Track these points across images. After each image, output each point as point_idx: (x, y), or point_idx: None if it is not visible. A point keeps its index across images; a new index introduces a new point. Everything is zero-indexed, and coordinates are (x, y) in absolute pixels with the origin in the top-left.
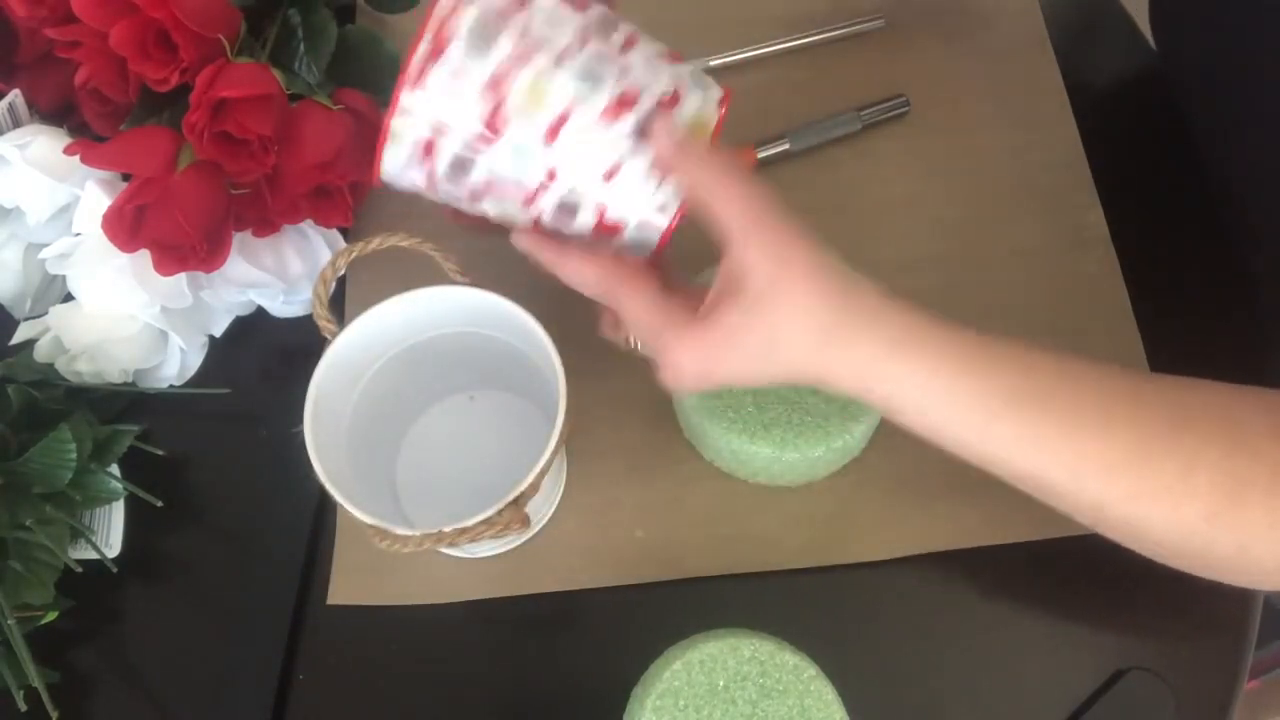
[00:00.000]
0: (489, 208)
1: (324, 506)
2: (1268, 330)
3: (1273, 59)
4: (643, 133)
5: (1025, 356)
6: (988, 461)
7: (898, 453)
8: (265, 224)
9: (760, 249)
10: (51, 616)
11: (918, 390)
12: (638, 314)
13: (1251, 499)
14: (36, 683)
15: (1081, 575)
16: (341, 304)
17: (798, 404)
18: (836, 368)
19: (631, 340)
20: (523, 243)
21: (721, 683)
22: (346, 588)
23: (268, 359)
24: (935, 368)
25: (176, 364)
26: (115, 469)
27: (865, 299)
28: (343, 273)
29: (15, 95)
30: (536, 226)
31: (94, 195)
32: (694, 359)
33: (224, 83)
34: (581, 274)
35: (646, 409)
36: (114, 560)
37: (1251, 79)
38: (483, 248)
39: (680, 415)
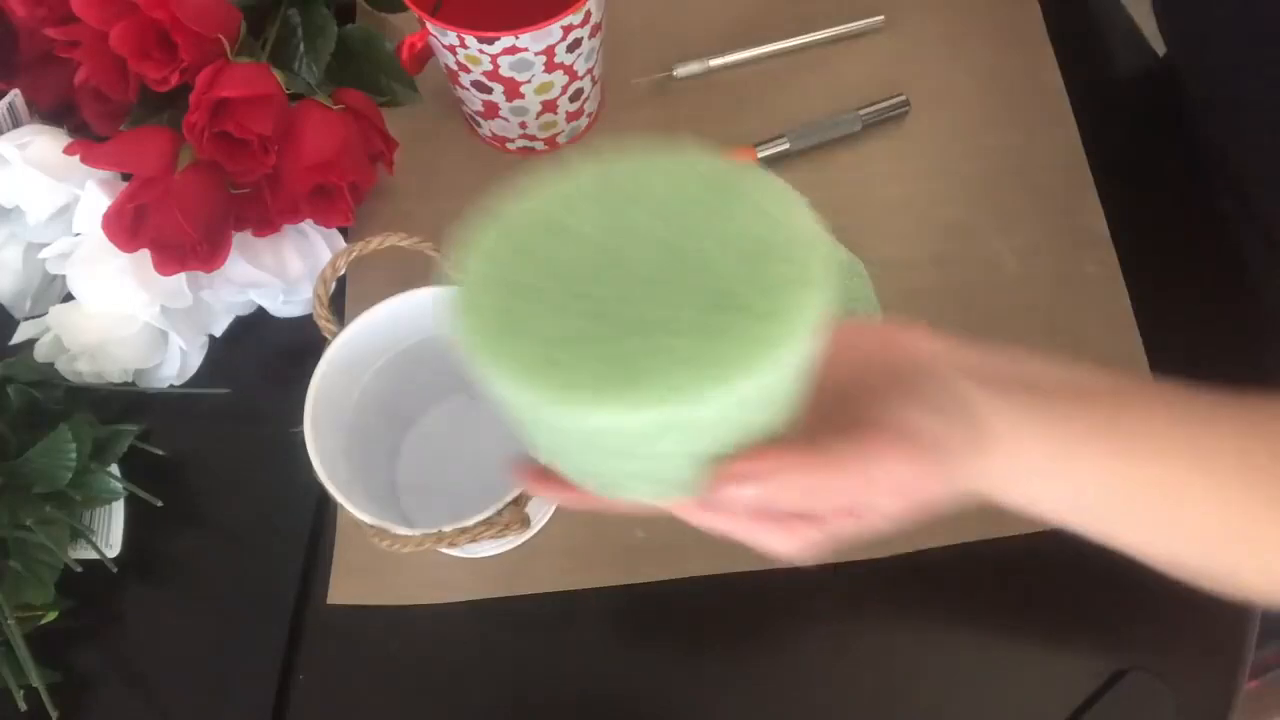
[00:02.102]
0: None
1: (324, 506)
2: (1268, 330)
3: None
4: None
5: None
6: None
7: None
8: (265, 224)
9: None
10: (51, 616)
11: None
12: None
13: None
14: (36, 683)
15: (1081, 575)
16: (341, 304)
17: None
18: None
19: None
20: None
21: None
22: (346, 588)
23: (268, 359)
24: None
25: (176, 364)
26: (115, 469)
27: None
28: (343, 273)
29: (15, 95)
30: None
31: (94, 195)
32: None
33: (224, 83)
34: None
35: None
36: (114, 560)
37: (1265, 70)
38: None
39: None
